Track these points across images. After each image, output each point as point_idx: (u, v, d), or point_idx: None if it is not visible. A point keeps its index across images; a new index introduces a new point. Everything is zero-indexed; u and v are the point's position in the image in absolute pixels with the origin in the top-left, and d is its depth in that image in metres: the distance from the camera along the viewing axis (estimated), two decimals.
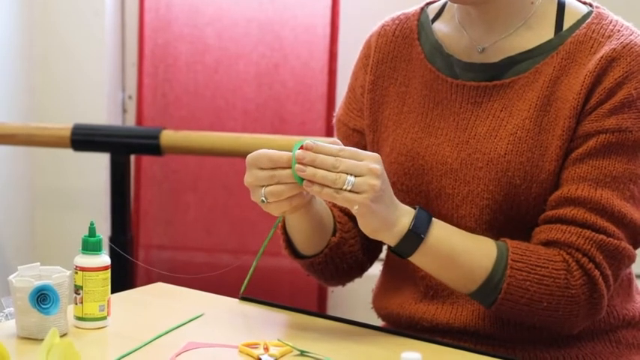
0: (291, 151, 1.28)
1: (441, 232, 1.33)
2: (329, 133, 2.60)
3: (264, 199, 1.29)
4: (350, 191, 1.25)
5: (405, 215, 1.31)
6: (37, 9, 2.83)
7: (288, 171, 1.28)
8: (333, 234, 1.44)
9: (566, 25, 1.39)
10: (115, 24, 2.87)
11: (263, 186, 1.29)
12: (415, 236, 1.30)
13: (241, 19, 2.73)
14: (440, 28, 1.46)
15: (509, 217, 1.36)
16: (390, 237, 1.31)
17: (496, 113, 1.38)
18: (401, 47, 1.47)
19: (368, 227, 1.29)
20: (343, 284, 1.52)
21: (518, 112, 1.37)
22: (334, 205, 1.47)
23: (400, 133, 1.43)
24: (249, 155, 1.31)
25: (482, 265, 1.33)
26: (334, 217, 1.44)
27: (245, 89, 2.74)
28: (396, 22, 1.49)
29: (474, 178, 1.37)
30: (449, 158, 1.39)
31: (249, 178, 1.31)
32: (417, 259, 1.33)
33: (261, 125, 2.70)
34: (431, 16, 1.47)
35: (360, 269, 1.50)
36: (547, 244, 1.35)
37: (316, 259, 1.43)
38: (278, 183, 1.28)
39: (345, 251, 1.45)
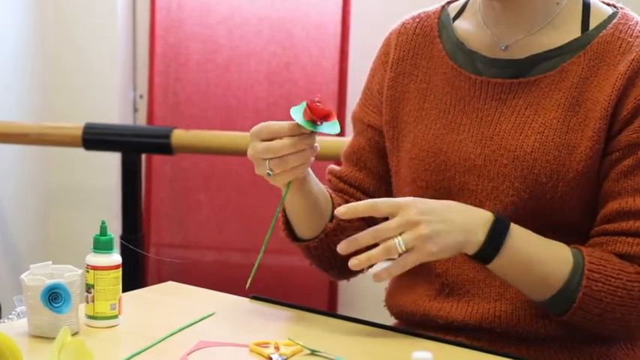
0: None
1: (517, 241, 1.32)
2: (340, 132, 2.60)
3: (269, 172, 1.30)
4: (406, 251, 1.27)
5: (478, 228, 1.30)
6: (50, 9, 2.83)
7: (290, 139, 1.29)
8: (330, 220, 1.43)
9: (592, 25, 1.39)
10: (127, 23, 2.87)
11: (266, 159, 1.30)
12: (491, 249, 1.30)
13: (252, 18, 2.73)
14: (461, 26, 1.46)
15: (533, 215, 1.36)
16: (468, 251, 1.31)
17: (521, 110, 1.38)
18: (422, 45, 1.47)
19: (445, 257, 1.31)
20: (347, 278, 1.51)
21: (544, 111, 1.37)
22: (337, 192, 1.48)
23: (421, 129, 1.43)
24: (252, 129, 1.32)
25: (559, 274, 1.32)
26: (333, 203, 1.44)
27: (256, 88, 2.74)
28: (417, 20, 1.49)
29: (499, 174, 1.37)
30: (472, 154, 1.39)
31: (251, 151, 1.32)
32: (493, 267, 1.33)
33: None
34: (452, 15, 1.47)
35: None
36: (616, 256, 1.34)
37: (311, 243, 1.43)
38: (282, 154, 1.29)
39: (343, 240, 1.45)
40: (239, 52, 2.74)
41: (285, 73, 2.73)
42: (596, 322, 1.33)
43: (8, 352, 1.12)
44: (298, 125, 1.30)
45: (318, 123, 1.30)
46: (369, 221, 1.48)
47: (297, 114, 1.30)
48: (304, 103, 1.30)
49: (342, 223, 1.43)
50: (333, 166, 1.53)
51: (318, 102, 1.30)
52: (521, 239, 1.32)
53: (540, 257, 1.33)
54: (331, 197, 1.45)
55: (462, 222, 1.30)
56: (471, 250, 1.30)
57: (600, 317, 1.32)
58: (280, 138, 1.30)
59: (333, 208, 1.43)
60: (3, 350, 1.11)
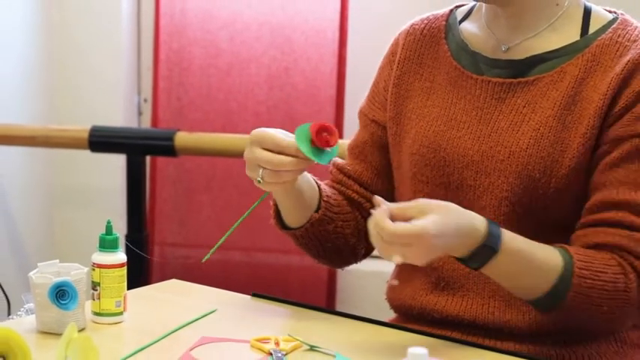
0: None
1: (508, 246, 1.29)
2: (338, 134, 2.62)
3: (260, 179, 1.32)
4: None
5: (467, 247, 1.28)
6: (55, 13, 2.84)
7: (291, 159, 1.30)
8: (316, 210, 1.45)
9: (591, 30, 1.41)
10: (131, 29, 2.89)
11: (262, 166, 1.32)
12: (487, 253, 1.29)
13: (253, 24, 2.74)
14: (467, 28, 1.49)
15: (527, 210, 1.38)
16: (460, 255, 1.30)
17: (519, 109, 1.40)
18: (428, 45, 1.50)
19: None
20: (340, 266, 1.53)
21: (541, 110, 1.39)
22: (336, 184, 1.51)
23: (423, 125, 1.45)
24: (254, 132, 1.33)
25: (548, 276, 1.32)
26: (321, 194, 1.45)
27: (256, 92, 2.75)
28: (425, 21, 1.52)
29: (495, 170, 1.39)
30: (470, 150, 1.41)
31: (250, 155, 1.33)
32: (485, 271, 1.32)
33: (271, 127, 2.71)
34: (459, 18, 1.51)
35: (352, 253, 1.51)
36: (597, 247, 1.35)
37: (297, 232, 1.45)
38: (280, 169, 1.30)
39: (330, 230, 1.46)
40: (240, 57, 2.75)
41: (285, 78, 2.73)
42: (585, 317, 1.33)
43: (17, 347, 1.13)
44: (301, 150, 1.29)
45: (328, 150, 1.31)
46: (359, 213, 1.50)
47: (302, 142, 1.29)
48: (307, 127, 1.30)
49: (329, 214, 1.45)
50: (336, 159, 1.53)
51: (323, 129, 1.30)
52: (512, 243, 1.30)
53: (530, 264, 1.32)
54: (318, 187, 1.46)
55: (453, 245, 1.28)
56: (464, 254, 1.29)
57: (589, 312, 1.32)
58: (287, 154, 1.30)
59: (320, 197, 1.45)
60: (12, 346, 1.13)
